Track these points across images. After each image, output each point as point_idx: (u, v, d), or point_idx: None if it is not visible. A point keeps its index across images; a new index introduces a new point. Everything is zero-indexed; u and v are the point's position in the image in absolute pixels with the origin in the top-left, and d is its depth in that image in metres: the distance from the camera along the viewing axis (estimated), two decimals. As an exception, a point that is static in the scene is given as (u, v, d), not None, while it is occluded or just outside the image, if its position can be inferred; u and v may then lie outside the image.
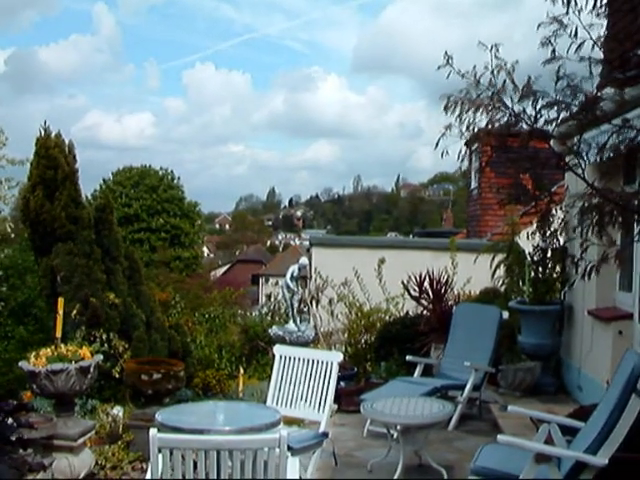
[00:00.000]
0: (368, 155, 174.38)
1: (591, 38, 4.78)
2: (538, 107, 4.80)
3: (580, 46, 4.76)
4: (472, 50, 4.93)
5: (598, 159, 5.28)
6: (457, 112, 4.82)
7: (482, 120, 4.94)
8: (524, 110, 4.84)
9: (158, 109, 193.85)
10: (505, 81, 4.81)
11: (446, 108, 4.85)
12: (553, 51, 4.80)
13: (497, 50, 4.82)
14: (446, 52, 4.92)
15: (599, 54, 4.87)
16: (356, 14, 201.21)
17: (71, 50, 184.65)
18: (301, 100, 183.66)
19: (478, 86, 4.85)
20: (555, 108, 4.80)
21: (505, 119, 4.90)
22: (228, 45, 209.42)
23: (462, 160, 5.18)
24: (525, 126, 4.91)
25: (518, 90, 4.80)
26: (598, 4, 4.86)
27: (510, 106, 4.86)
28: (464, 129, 4.88)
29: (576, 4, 4.77)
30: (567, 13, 4.77)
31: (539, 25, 4.80)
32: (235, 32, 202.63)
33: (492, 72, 4.82)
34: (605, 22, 5.01)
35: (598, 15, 4.87)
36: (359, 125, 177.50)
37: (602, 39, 4.91)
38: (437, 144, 4.94)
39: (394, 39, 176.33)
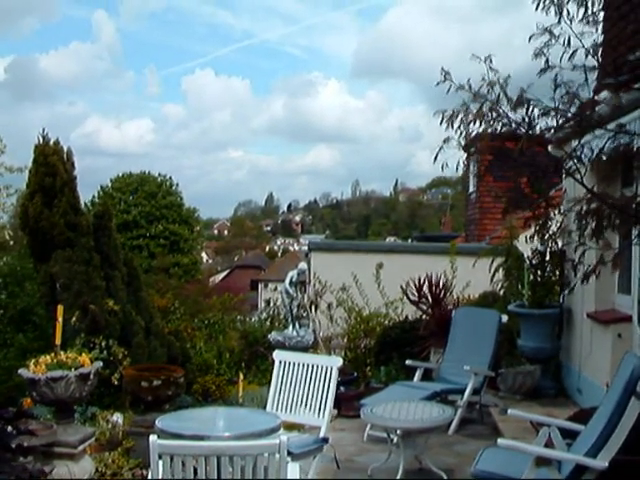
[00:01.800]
0: (368, 159, 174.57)
1: (583, 46, 4.83)
2: (533, 116, 4.83)
3: (573, 54, 4.80)
4: (472, 55, 4.97)
5: (594, 163, 5.30)
6: (455, 125, 4.85)
7: (483, 129, 4.98)
8: (523, 119, 4.87)
9: (158, 115, 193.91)
10: (499, 95, 4.84)
11: (450, 121, 4.87)
12: (546, 61, 4.84)
13: (491, 61, 4.86)
14: (442, 68, 4.96)
15: (592, 61, 4.91)
16: (355, 19, 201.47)
17: (71, 57, 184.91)
18: (301, 105, 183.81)
19: (476, 98, 4.88)
20: (552, 115, 4.83)
21: (504, 128, 4.93)
22: (227, 51, 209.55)
23: (462, 170, 5.21)
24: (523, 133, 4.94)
25: (512, 102, 4.83)
26: (589, 12, 4.90)
27: (508, 115, 4.89)
28: (462, 141, 4.92)
29: (568, 13, 4.81)
30: (559, 22, 4.81)
31: (530, 37, 4.85)
32: (234, 38, 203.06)
33: (489, 83, 4.85)
34: (597, 30, 5.04)
35: (589, 23, 4.91)
36: (359, 129, 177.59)
37: (596, 45, 4.94)
38: (436, 157, 4.97)
39: (394, 43, 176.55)
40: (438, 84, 4.97)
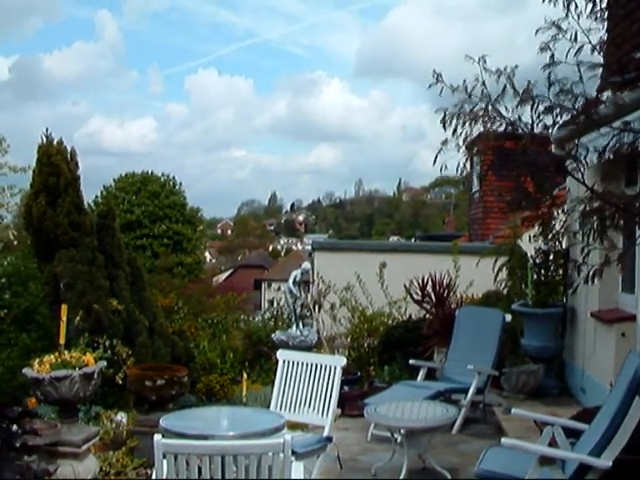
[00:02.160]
0: (371, 158, 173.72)
1: (590, 42, 4.81)
2: (538, 112, 4.82)
3: (579, 50, 4.78)
4: (474, 54, 4.97)
5: (598, 162, 5.29)
6: (452, 127, 4.84)
7: (479, 130, 4.97)
8: (519, 118, 4.86)
9: (161, 115, 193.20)
10: (505, 86, 4.82)
11: (443, 122, 4.87)
12: (552, 56, 4.82)
13: (485, 62, 4.86)
14: (434, 70, 4.95)
15: (598, 58, 4.89)
16: (357, 18, 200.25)
17: (74, 57, 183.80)
18: (304, 104, 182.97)
19: (470, 99, 4.87)
20: (554, 112, 4.82)
21: (502, 128, 4.93)
22: (230, 50, 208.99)
23: (462, 172, 5.20)
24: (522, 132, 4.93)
25: (518, 95, 4.81)
26: (597, 8, 4.88)
27: (506, 115, 4.88)
28: (461, 142, 4.91)
29: (576, 7, 4.79)
30: (567, 17, 4.79)
31: (537, 30, 4.83)
32: (237, 37, 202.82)
33: (483, 83, 4.85)
34: (604, 27, 5.03)
35: (596, 19, 4.89)
36: (362, 128, 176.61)
37: (601, 43, 4.92)
38: (435, 159, 4.97)
39: (397, 42, 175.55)
40: (430, 86, 4.97)
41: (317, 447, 5.19)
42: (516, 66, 4.88)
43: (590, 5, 4.94)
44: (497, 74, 4.84)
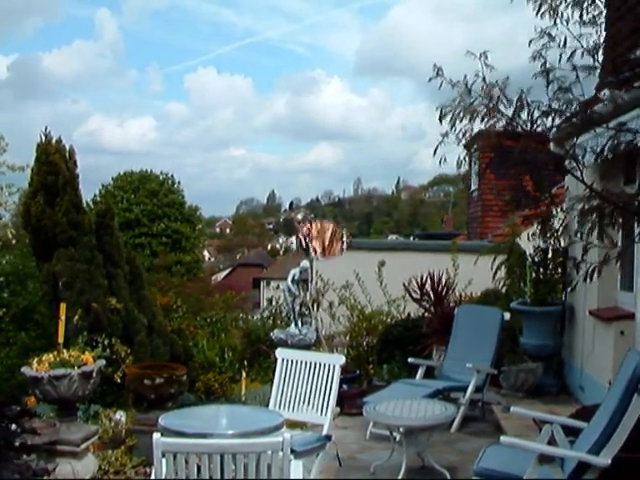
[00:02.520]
0: (370, 157, 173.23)
1: (582, 47, 4.83)
2: (534, 117, 4.83)
3: (572, 55, 4.81)
4: (476, 52, 4.97)
5: (597, 161, 5.30)
6: (451, 120, 4.84)
7: (478, 127, 4.98)
8: (519, 115, 4.87)
9: (160, 113, 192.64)
10: (499, 97, 4.83)
11: (441, 119, 4.87)
12: (544, 64, 4.85)
13: (486, 57, 4.86)
14: (435, 64, 4.96)
15: (591, 62, 4.92)
16: (357, 17, 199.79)
17: (74, 56, 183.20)
18: (303, 103, 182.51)
19: (470, 94, 4.87)
20: (551, 116, 4.84)
21: (501, 124, 4.93)
22: (230, 49, 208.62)
23: (461, 167, 5.20)
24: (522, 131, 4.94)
25: (512, 105, 4.83)
26: (585, 15, 4.91)
27: (506, 113, 4.88)
28: (460, 136, 4.91)
29: (562, 16, 4.82)
30: (555, 24, 4.83)
31: (530, 41, 4.85)
32: (237, 36, 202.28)
33: (484, 79, 4.85)
34: (597, 31, 5.05)
35: (585, 24, 4.92)
36: (361, 127, 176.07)
37: (596, 46, 4.94)
38: (435, 152, 4.97)
39: (397, 41, 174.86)
40: (430, 80, 4.97)
41: (316, 445, 5.19)
42: (507, 77, 4.90)
43: (578, 12, 4.97)
44: (489, 87, 4.85)
